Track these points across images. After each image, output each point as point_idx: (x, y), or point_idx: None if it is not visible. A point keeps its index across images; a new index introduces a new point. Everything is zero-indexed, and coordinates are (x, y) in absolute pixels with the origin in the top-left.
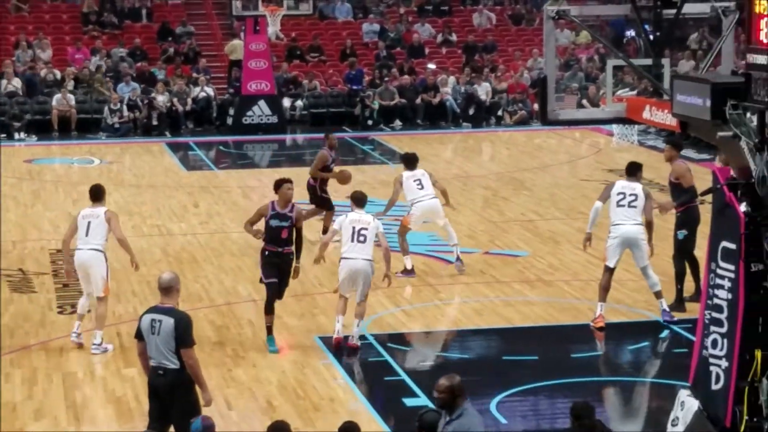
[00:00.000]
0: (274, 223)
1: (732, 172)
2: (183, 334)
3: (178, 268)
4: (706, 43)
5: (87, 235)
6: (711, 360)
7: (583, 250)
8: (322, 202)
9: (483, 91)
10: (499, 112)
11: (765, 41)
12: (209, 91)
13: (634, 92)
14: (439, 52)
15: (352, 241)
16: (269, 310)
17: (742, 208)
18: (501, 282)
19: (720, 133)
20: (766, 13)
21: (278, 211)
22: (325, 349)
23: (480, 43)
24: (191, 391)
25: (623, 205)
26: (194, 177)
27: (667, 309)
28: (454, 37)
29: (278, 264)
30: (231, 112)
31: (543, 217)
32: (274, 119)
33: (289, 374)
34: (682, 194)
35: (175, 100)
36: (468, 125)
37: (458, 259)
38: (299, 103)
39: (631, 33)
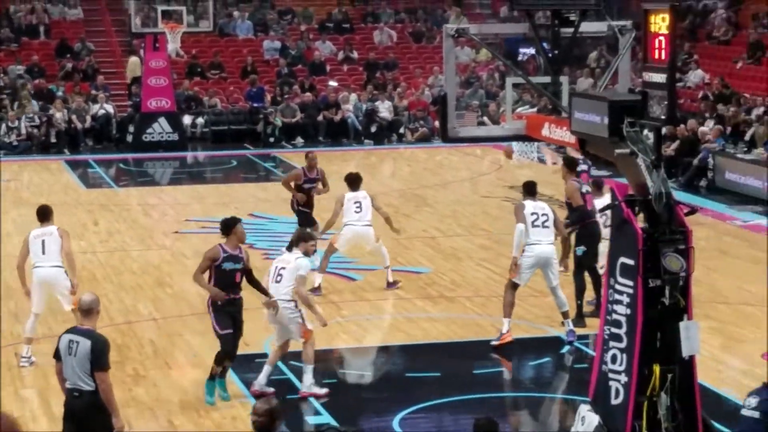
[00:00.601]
0: (227, 266)
1: (630, 189)
2: (99, 357)
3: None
4: (604, 61)
5: (44, 253)
6: (611, 375)
7: (511, 278)
8: (301, 217)
9: (384, 108)
10: (401, 129)
11: (660, 60)
12: (109, 108)
13: (534, 109)
14: (340, 70)
15: (272, 281)
16: (220, 361)
17: (640, 224)
18: (403, 299)
19: (617, 151)
20: (661, 31)
21: (230, 253)
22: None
23: (381, 61)
24: (106, 414)
25: (538, 226)
26: (94, 195)
27: (573, 329)
28: (355, 55)
29: (232, 312)
30: (131, 129)
31: (445, 233)
32: (175, 136)
33: (191, 393)
34: (572, 213)
35: (74, 117)
36: (370, 142)
37: (391, 284)
38: (200, 120)
39: (525, 51)
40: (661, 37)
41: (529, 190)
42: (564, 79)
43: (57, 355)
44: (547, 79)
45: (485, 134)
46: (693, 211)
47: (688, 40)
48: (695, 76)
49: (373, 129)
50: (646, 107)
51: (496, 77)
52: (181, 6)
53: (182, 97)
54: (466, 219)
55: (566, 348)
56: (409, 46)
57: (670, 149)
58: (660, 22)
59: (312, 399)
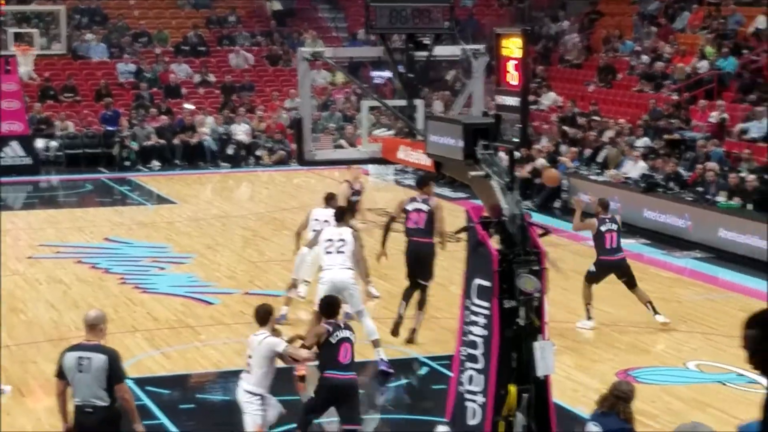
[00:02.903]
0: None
1: (485, 211)
2: (117, 370)
3: None
4: (460, 84)
5: None
6: (467, 396)
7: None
8: None
9: (241, 131)
10: (258, 152)
11: (512, 83)
12: None
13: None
14: (196, 93)
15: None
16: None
17: (495, 245)
18: None
19: (472, 173)
20: (513, 55)
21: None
22: None
23: (237, 83)
24: (118, 427)
25: (331, 252)
26: None
27: (385, 359)
28: (211, 77)
29: None
30: None
31: None
32: (28, 160)
33: (45, 421)
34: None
35: None
36: (227, 165)
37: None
38: (53, 143)
39: (381, 74)
40: (514, 61)
41: (337, 215)
42: (419, 103)
43: (61, 375)
44: (402, 103)
45: (342, 157)
46: (546, 232)
47: (540, 63)
48: (548, 98)
49: (230, 152)
50: (500, 130)
51: (353, 100)
52: (33, 29)
53: (35, 120)
54: None
55: (424, 369)
56: (265, 68)
57: (525, 171)
58: (512, 46)
59: (170, 425)
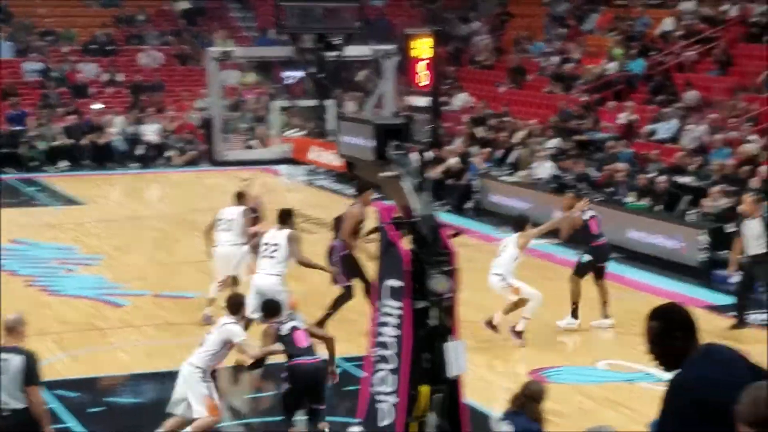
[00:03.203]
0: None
1: (396, 212)
2: (33, 372)
3: None
4: (372, 85)
5: None
6: (379, 397)
7: None
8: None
9: (151, 131)
10: (168, 152)
11: (422, 84)
12: None
13: (303, 133)
14: (105, 92)
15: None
16: None
17: (406, 246)
18: (173, 324)
19: (383, 174)
20: (423, 56)
21: None
22: None
23: (147, 83)
24: (37, 430)
25: (265, 256)
26: None
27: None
28: (120, 77)
29: None
30: None
31: None
32: None
33: None
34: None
35: None
36: (136, 165)
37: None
38: None
39: (293, 75)
40: (424, 62)
41: (281, 218)
42: (331, 103)
43: None
44: (314, 103)
45: (253, 157)
46: (458, 233)
47: (452, 64)
48: (459, 99)
49: (140, 152)
50: (411, 130)
51: (264, 100)
52: None
53: None
54: None
55: (338, 370)
56: (175, 68)
57: (436, 172)
58: (422, 47)
59: (81, 428)
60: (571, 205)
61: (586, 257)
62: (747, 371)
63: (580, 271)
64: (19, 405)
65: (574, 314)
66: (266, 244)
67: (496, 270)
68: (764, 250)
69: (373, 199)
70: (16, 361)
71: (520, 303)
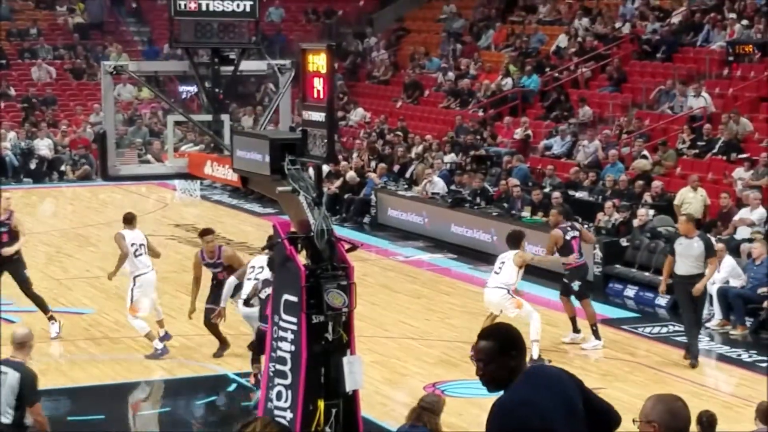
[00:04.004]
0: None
1: (292, 226)
2: (28, 391)
3: None
4: (268, 99)
5: None
6: (276, 412)
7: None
8: None
9: (44, 145)
10: (62, 168)
11: (318, 98)
12: None
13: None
14: None
15: None
16: None
17: (303, 260)
18: (65, 341)
19: (279, 188)
20: (319, 71)
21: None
22: None
23: (40, 97)
24: None
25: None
26: None
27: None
28: (12, 91)
29: None
30: None
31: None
32: None
33: None
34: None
35: None
36: (29, 180)
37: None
38: None
39: (188, 89)
40: (319, 77)
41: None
42: (225, 117)
43: None
44: (209, 117)
45: (147, 172)
46: (354, 247)
47: (348, 79)
48: (356, 114)
49: (33, 167)
50: (307, 145)
51: (160, 115)
52: None
53: None
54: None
55: (233, 386)
56: (69, 82)
57: (333, 186)
58: (318, 62)
59: None
60: (556, 222)
61: (576, 283)
62: (572, 393)
63: (581, 294)
64: (5, 419)
65: (596, 335)
66: (134, 244)
67: (498, 284)
68: (700, 272)
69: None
70: (12, 377)
71: (492, 318)
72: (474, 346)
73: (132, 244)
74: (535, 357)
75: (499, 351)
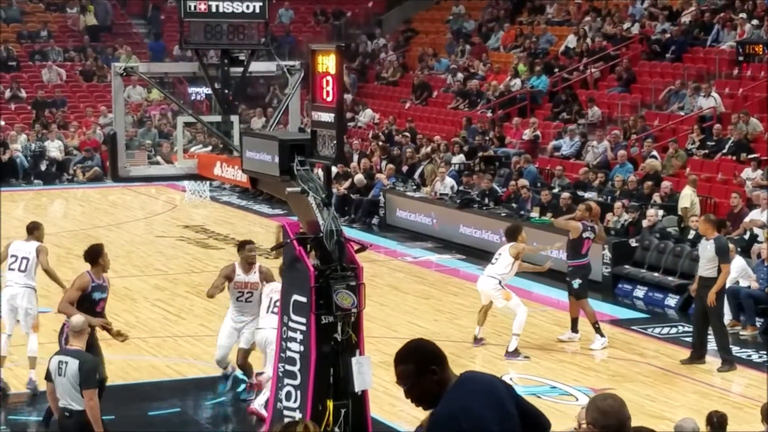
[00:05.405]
0: (96, 296)
1: (301, 227)
2: (86, 376)
3: None
4: (276, 101)
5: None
6: (285, 412)
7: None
8: None
9: (54, 147)
10: (72, 169)
11: (327, 99)
12: None
13: (208, 149)
14: (7, 108)
15: None
16: None
17: (312, 261)
18: None
19: (288, 189)
20: (328, 72)
21: (98, 283)
22: None
23: (50, 99)
24: None
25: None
26: None
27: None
28: (23, 93)
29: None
30: None
31: (119, 274)
32: None
33: None
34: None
35: None
36: (39, 182)
37: None
38: None
39: (198, 91)
40: (328, 78)
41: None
42: (235, 118)
43: (48, 377)
44: (218, 119)
45: (157, 173)
46: (363, 248)
47: (358, 80)
48: (365, 115)
49: (43, 168)
50: (316, 146)
51: (169, 116)
52: None
53: None
54: (141, 259)
55: (242, 386)
56: (79, 84)
57: (342, 187)
58: (327, 63)
59: None
60: (582, 217)
61: (577, 281)
62: (505, 398)
63: (579, 293)
64: (77, 406)
65: (599, 332)
66: (14, 255)
67: (492, 274)
68: (712, 275)
69: None
70: (73, 364)
71: (484, 310)
72: (395, 371)
73: (12, 255)
74: (511, 350)
75: (418, 372)
